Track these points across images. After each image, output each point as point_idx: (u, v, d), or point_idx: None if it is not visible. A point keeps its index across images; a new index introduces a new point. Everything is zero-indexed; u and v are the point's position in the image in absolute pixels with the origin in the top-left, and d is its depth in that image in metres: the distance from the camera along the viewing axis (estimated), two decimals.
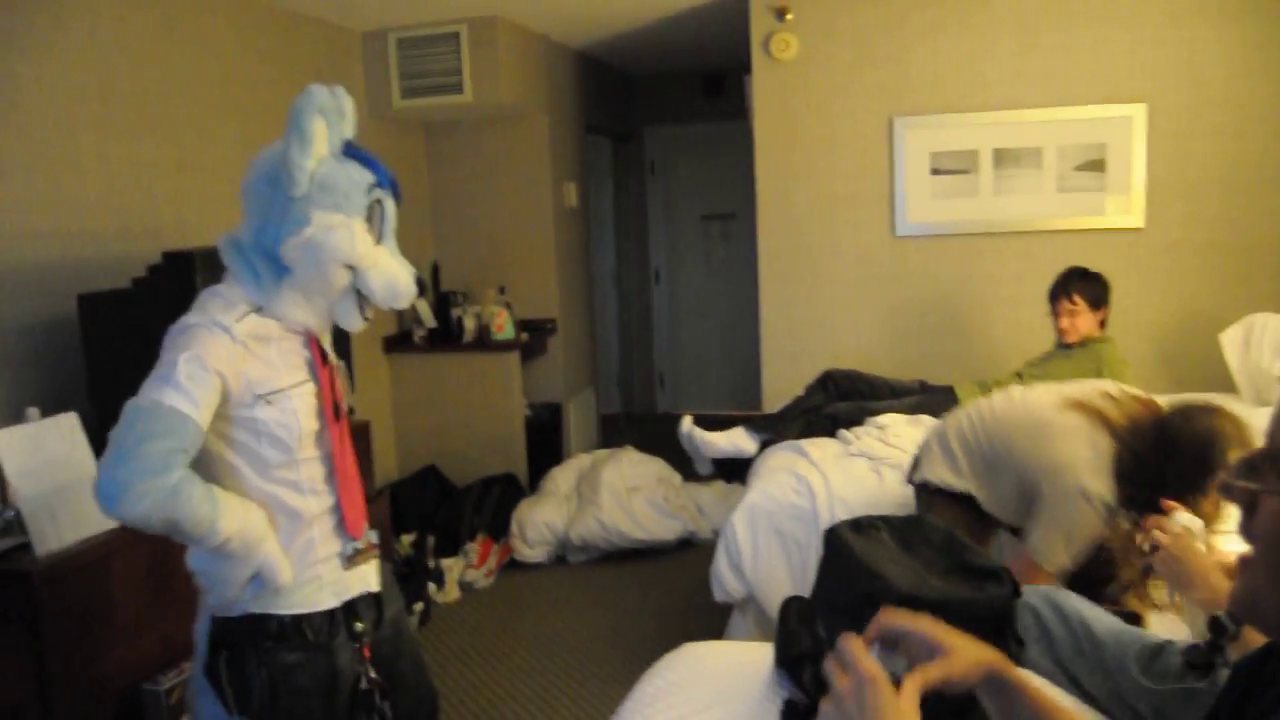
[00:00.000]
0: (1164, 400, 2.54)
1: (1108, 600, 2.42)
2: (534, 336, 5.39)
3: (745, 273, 6.63)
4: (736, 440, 4.00)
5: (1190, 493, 2.12)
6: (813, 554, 3.03)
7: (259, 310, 1.78)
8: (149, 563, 2.65)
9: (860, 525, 1.92)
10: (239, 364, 1.73)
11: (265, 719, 1.81)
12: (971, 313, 4.60)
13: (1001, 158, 4.50)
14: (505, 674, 3.64)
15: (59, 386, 3.05)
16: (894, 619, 1.28)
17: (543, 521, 4.68)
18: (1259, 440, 2.15)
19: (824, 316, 4.80)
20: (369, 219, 1.81)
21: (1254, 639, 1.72)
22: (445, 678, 3.62)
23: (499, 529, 4.68)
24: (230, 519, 1.70)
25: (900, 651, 1.27)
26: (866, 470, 3.38)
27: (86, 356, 2.96)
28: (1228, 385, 3.86)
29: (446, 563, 4.36)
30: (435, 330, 5.20)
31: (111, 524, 2.58)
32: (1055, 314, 3.75)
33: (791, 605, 2.12)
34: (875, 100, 4.62)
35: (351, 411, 2.05)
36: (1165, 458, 2.26)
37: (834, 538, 1.89)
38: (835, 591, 1.85)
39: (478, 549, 4.49)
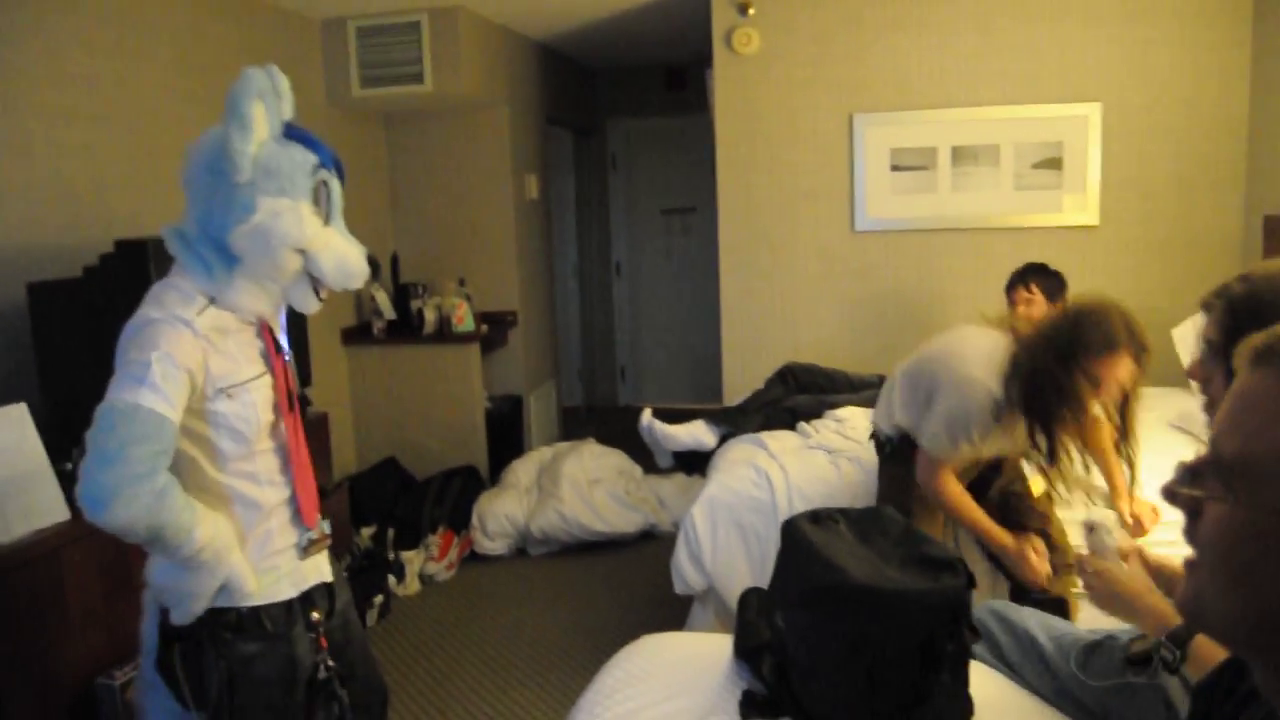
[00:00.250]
0: None
1: (1017, 528, 2.64)
2: (494, 329, 5.37)
3: (706, 267, 6.64)
4: (696, 433, 4.02)
5: (1072, 396, 2.29)
6: (772, 546, 3.05)
7: (214, 302, 1.76)
8: (102, 556, 2.62)
9: (818, 517, 1.94)
10: (203, 359, 1.71)
11: (224, 712, 1.79)
12: (930, 308, 4.65)
13: (960, 155, 4.55)
14: (466, 667, 3.63)
15: (8, 376, 2.99)
16: None
17: (503, 514, 4.67)
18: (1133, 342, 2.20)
19: (784, 310, 4.82)
20: (315, 201, 1.78)
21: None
22: (406, 671, 3.60)
23: (459, 522, 4.66)
24: (204, 527, 1.68)
25: None
26: (825, 463, 3.41)
27: (36, 346, 2.90)
28: (1180, 381, 3.92)
29: (407, 555, 4.33)
30: (395, 322, 5.16)
31: (62, 516, 2.54)
32: (1011, 303, 3.80)
33: (750, 597, 2.14)
34: (836, 96, 4.65)
35: (306, 402, 2.03)
36: (1055, 357, 2.32)
37: (792, 530, 1.90)
38: (793, 583, 1.86)
39: (438, 542, 4.47)
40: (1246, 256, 4.30)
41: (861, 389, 4.14)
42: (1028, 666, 1.90)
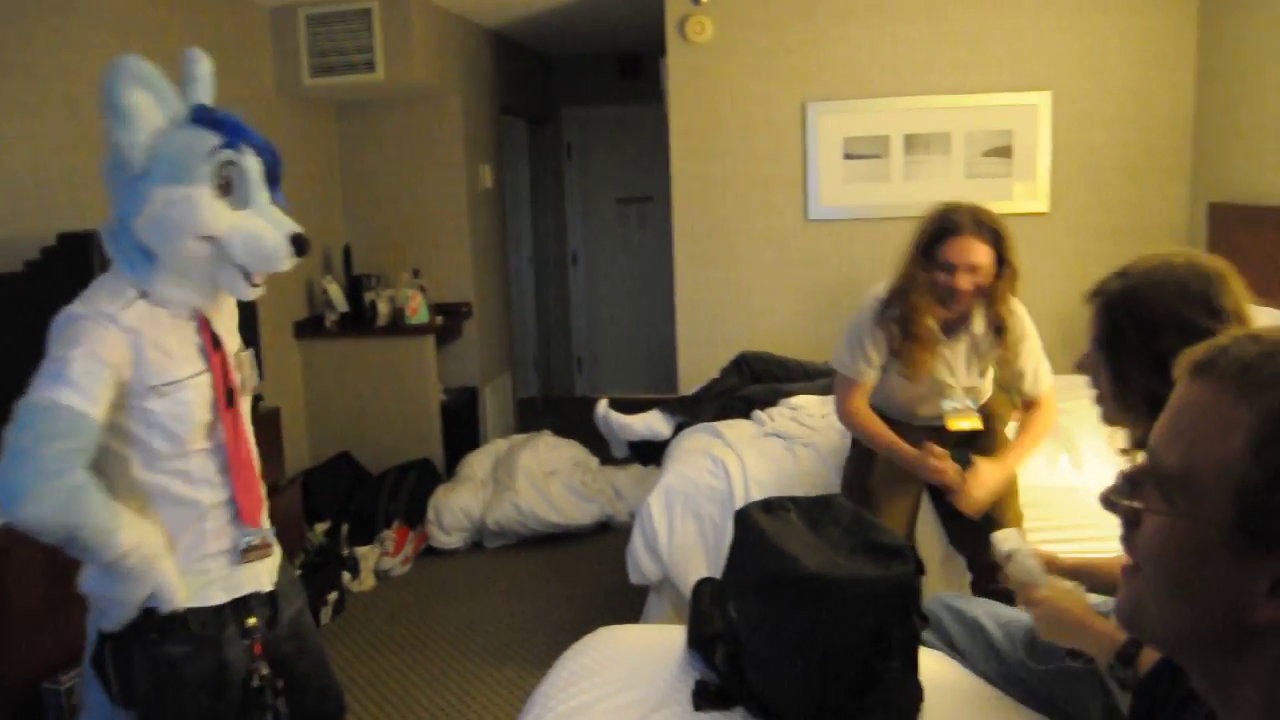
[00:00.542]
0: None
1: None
2: (449, 320, 5.33)
3: (662, 256, 6.63)
4: (652, 423, 4.02)
5: (926, 281, 2.64)
6: (728, 535, 3.04)
7: (146, 296, 1.72)
8: (46, 558, 2.56)
9: (770, 506, 1.95)
10: (130, 355, 1.67)
11: (150, 711, 1.76)
12: None
13: (912, 143, 4.58)
14: (422, 661, 3.61)
15: None
16: None
17: (459, 507, 4.64)
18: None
19: (739, 299, 4.83)
20: (225, 184, 1.71)
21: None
22: (360, 667, 3.57)
23: (415, 516, 4.63)
24: (130, 532, 1.64)
25: None
26: (781, 451, 3.42)
27: None
28: None
29: (361, 551, 4.29)
30: (347, 314, 5.10)
31: (2, 518, 2.49)
32: None
33: (704, 587, 2.15)
34: (789, 85, 4.65)
35: (261, 399, 1.99)
36: (916, 251, 2.70)
37: (744, 519, 1.91)
38: (746, 572, 1.87)
39: (393, 536, 4.43)
40: (1193, 243, 4.37)
41: (816, 377, 4.16)
42: (976, 653, 1.93)
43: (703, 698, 1.80)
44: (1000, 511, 2.71)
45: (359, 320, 5.10)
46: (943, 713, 1.75)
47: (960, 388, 2.79)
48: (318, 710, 2.06)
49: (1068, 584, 1.73)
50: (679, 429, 3.93)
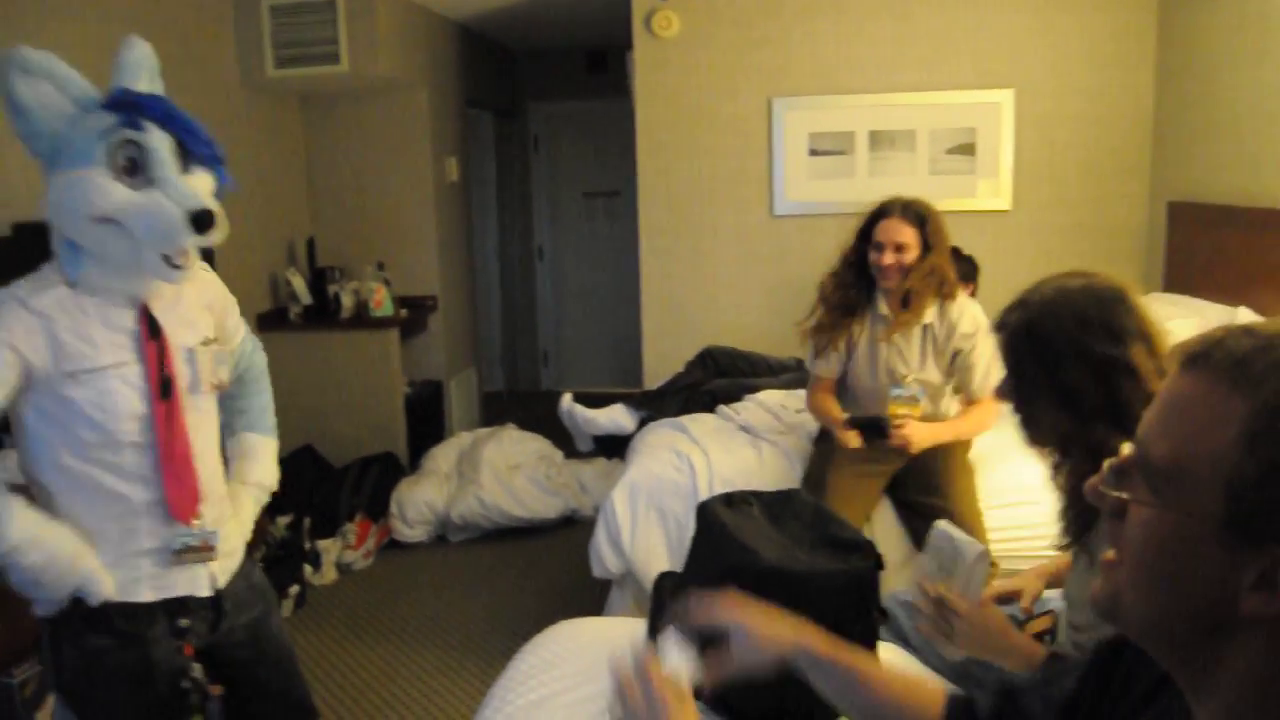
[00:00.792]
0: None
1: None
2: (414, 313, 5.30)
3: (628, 250, 6.61)
4: (616, 417, 4.02)
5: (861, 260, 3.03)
6: (691, 530, 3.05)
7: (71, 285, 1.69)
8: None
9: (732, 500, 1.95)
10: (40, 339, 1.64)
11: (74, 699, 1.76)
12: None
13: (877, 140, 4.60)
14: (384, 655, 3.60)
15: None
16: (698, 610, 1.39)
17: (423, 501, 4.62)
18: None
19: (704, 294, 4.84)
20: (125, 165, 1.65)
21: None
22: (321, 659, 3.55)
23: (378, 509, 4.60)
24: (21, 524, 1.61)
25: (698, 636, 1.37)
26: (746, 446, 3.43)
27: None
28: None
29: (323, 544, 4.26)
30: (311, 307, 5.05)
31: None
32: None
33: (665, 580, 2.15)
34: (755, 80, 4.67)
35: (222, 388, 1.95)
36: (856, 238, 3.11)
37: (706, 512, 1.91)
38: (707, 564, 1.87)
39: (356, 530, 4.40)
40: (1153, 241, 4.43)
41: (781, 372, 4.18)
42: (931, 648, 1.95)
43: None
44: (955, 505, 2.77)
45: (323, 313, 5.06)
46: None
47: (913, 378, 2.92)
48: (279, 716, 2.04)
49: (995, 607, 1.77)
50: (643, 423, 3.93)
